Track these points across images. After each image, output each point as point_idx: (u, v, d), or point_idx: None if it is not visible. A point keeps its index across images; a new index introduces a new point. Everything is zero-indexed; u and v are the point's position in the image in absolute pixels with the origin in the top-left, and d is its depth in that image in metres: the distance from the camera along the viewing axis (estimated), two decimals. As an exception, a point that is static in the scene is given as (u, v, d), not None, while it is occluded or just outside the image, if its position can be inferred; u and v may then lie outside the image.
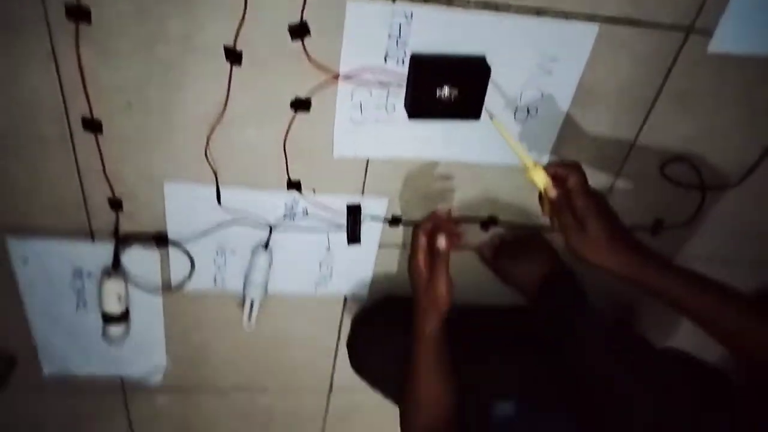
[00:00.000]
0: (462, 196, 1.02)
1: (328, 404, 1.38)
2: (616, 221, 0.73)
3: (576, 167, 0.74)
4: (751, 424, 0.72)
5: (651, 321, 1.25)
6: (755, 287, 1.25)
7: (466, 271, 1.10)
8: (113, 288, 1.02)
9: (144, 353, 1.18)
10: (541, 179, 0.75)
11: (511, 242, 1.07)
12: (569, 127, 0.95)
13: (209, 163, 0.90)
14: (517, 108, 0.91)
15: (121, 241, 0.99)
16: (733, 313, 0.70)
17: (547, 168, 0.75)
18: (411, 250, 0.84)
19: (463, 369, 0.92)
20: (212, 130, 0.86)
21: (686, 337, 1.26)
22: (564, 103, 0.92)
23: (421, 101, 0.83)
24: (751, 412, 0.74)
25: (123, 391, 1.26)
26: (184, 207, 0.96)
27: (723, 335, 0.73)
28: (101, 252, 1.00)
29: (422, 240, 0.83)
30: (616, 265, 0.71)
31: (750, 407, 0.76)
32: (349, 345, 1.09)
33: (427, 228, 0.83)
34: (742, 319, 0.70)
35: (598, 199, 0.73)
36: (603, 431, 0.79)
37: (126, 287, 1.03)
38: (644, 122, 0.96)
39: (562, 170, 0.74)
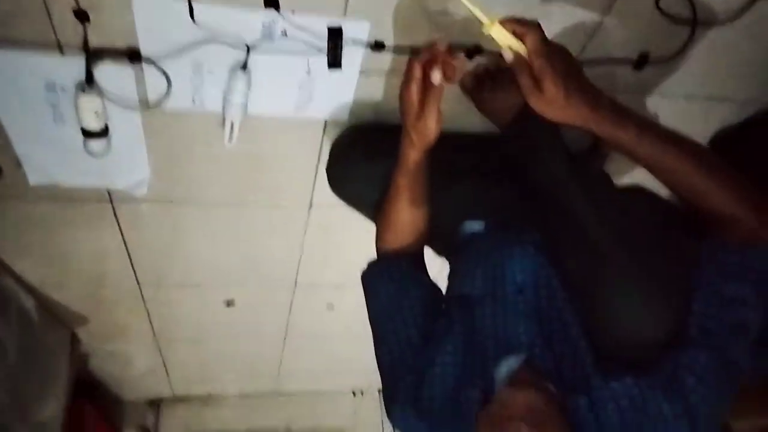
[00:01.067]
0: (449, 23, 0.98)
1: (308, 218, 1.46)
2: (573, 78, 0.72)
3: (533, 26, 0.70)
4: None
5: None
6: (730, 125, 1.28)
7: (443, 98, 1.10)
8: (89, 104, 1.00)
9: (127, 167, 1.21)
10: (501, 37, 0.72)
11: (494, 72, 1.06)
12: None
13: (179, -25, 0.84)
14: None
15: (92, 55, 0.95)
16: (685, 167, 0.74)
17: (504, 24, 0.72)
18: (404, 79, 0.81)
19: (435, 192, 0.97)
20: (180, -63, 0.78)
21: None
22: None
23: None
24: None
25: (110, 200, 1.32)
26: (155, 22, 0.91)
27: (673, 185, 0.78)
28: (73, 66, 0.97)
29: (417, 71, 0.79)
30: (573, 120, 0.73)
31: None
32: (329, 169, 1.13)
33: (423, 59, 0.80)
34: (694, 173, 0.74)
35: (556, 58, 0.71)
36: (563, 254, 0.87)
37: (103, 103, 1.02)
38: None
39: (519, 28, 0.71)
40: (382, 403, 0.89)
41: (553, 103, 0.71)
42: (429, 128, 0.83)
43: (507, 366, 0.77)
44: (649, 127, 0.75)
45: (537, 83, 0.71)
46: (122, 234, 1.43)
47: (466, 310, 0.87)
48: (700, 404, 0.66)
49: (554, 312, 0.81)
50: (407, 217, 0.97)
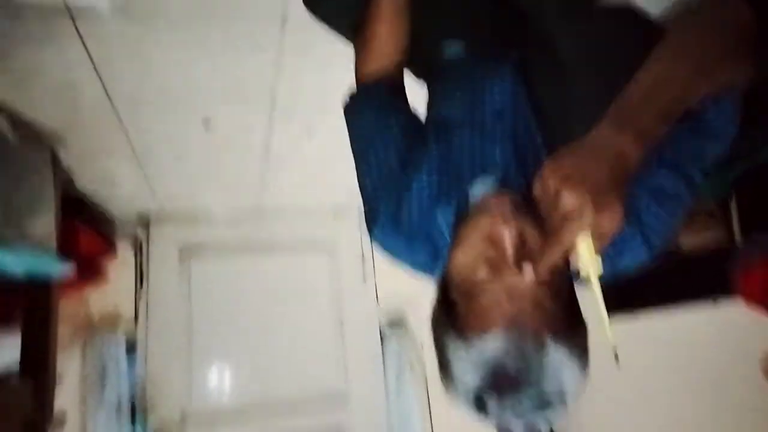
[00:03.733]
0: None
1: (282, 37, 1.40)
2: (593, 195, 0.61)
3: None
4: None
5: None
6: None
7: None
8: None
9: (83, -24, 1.12)
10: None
11: None
12: None
13: None
14: None
15: None
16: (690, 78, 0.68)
17: None
18: None
19: (415, 9, 0.93)
20: None
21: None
22: None
23: None
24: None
25: (71, 16, 1.24)
26: None
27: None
28: None
29: None
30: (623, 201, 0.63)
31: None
32: (301, -18, 1.05)
33: None
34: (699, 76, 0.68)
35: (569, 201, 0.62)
36: (534, 73, 0.86)
37: None
38: None
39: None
40: (362, 218, 0.94)
41: (612, 221, 0.63)
42: None
43: (482, 185, 0.81)
44: (650, 96, 0.67)
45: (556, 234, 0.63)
46: (88, 52, 1.37)
47: (443, 133, 0.89)
48: (653, 221, 0.71)
49: (528, 133, 0.83)
50: (387, 37, 0.94)
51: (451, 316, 0.71)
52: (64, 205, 1.88)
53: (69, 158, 1.89)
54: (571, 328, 0.67)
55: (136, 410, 2.49)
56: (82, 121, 1.69)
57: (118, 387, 2.41)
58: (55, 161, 1.83)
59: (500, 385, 0.63)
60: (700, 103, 0.71)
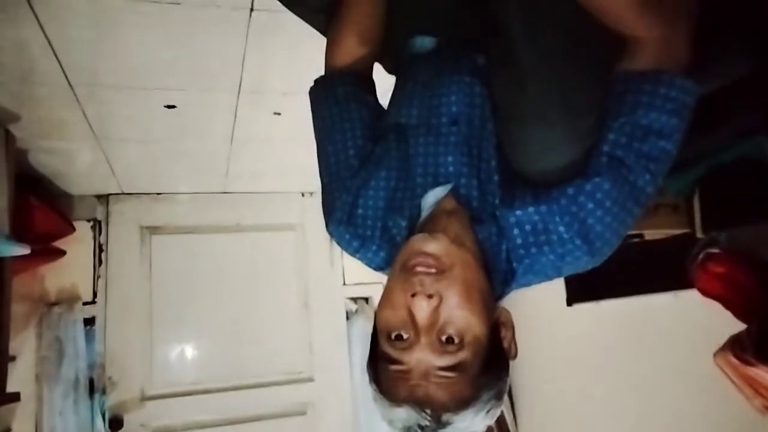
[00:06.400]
0: None
1: (249, 21, 1.35)
2: None
3: None
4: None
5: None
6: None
7: None
8: None
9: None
10: None
11: None
12: None
13: None
14: None
15: None
16: None
17: None
18: None
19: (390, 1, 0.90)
20: None
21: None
22: None
23: None
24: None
25: (22, -12, 1.16)
26: None
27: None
28: None
29: None
30: None
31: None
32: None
33: None
34: None
35: None
36: (494, 77, 0.85)
37: None
38: None
39: None
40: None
41: None
42: None
43: (433, 195, 0.79)
44: None
45: None
46: (42, 27, 1.29)
47: (402, 138, 0.87)
48: (596, 226, 0.71)
49: (483, 142, 0.82)
50: (359, 24, 0.91)
51: (374, 369, 0.72)
52: (18, 183, 1.81)
53: (23, 135, 1.80)
54: (483, 388, 0.68)
55: (95, 387, 2.46)
56: (38, 100, 1.60)
57: (75, 364, 2.37)
58: (8, 138, 1.75)
59: None
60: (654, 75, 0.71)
